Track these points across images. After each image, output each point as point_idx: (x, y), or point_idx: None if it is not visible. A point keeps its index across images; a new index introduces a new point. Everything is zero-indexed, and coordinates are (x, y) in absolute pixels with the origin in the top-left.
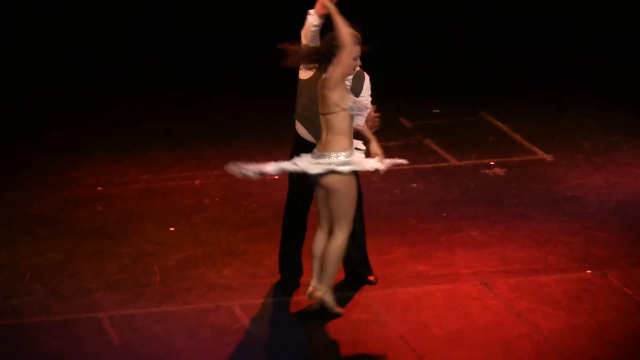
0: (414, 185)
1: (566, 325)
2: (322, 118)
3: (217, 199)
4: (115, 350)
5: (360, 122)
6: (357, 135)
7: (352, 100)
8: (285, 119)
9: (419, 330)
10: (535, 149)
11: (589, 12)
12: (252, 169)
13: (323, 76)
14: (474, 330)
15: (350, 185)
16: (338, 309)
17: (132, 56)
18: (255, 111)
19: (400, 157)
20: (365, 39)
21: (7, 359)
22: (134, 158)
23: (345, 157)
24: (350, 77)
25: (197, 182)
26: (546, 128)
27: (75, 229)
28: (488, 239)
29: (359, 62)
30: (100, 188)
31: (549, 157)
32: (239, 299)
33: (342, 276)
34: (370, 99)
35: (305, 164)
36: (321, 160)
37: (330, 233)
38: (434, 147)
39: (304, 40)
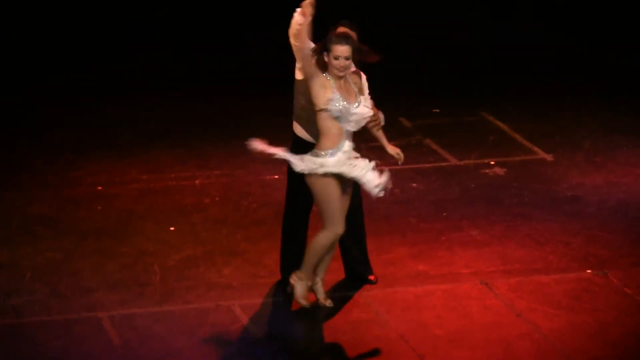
0: (414, 184)
1: (566, 324)
2: None
3: (217, 199)
4: (115, 349)
5: (349, 127)
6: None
7: (337, 104)
8: (285, 118)
9: (419, 330)
10: (536, 148)
11: (589, 12)
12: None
13: None
14: (474, 329)
15: (315, 185)
16: (303, 301)
17: (132, 56)
18: (255, 111)
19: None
20: (365, 39)
21: (7, 358)
22: (134, 158)
23: (311, 156)
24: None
25: (197, 181)
26: (546, 128)
27: (75, 228)
28: (488, 238)
29: (344, 62)
30: (100, 187)
31: (549, 157)
32: (239, 299)
33: (342, 276)
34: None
35: (296, 159)
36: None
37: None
38: (434, 146)
39: (292, 38)
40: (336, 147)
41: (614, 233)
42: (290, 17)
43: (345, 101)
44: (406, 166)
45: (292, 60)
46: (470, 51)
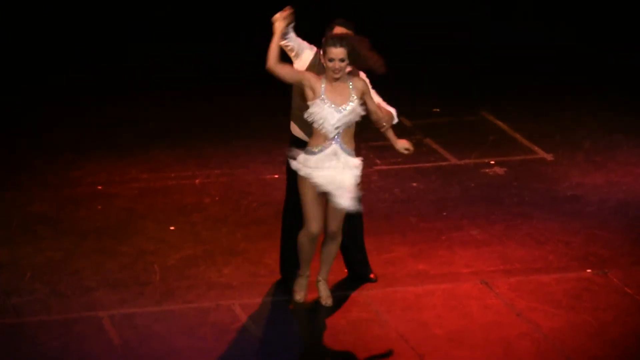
0: (414, 184)
1: (566, 324)
2: None
3: (217, 198)
4: (115, 349)
5: (331, 130)
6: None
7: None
8: (285, 118)
9: (419, 330)
10: (536, 148)
11: (589, 12)
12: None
13: None
14: (475, 329)
15: (297, 183)
16: (296, 295)
17: (132, 56)
18: (255, 111)
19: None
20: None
21: (7, 357)
22: (134, 157)
23: (303, 153)
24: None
25: (197, 181)
26: (546, 127)
27: (75, 228)
28: (488, 238)
29: (339, 64)
30: (100, 187)
31: (549, 156)
32: (239, 298)
33: (342, 276)
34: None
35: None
36: None
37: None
38: (434, 146)
39: (273, 68)
40: (322, 145)
41: (614, 232)
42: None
43: (331, 104)
44: (406, 165)
45: (292, 61)
46: (470, 51)
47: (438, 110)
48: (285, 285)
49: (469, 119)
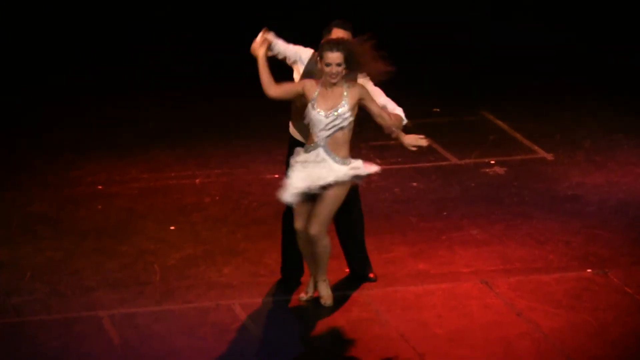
0: (415, 184)
1: (566, 324)
2: None
3: (217, 198)
4: (115, 349)
5: (318, 133)
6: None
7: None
8: (285, 118)
9: (419, 329)
10: (536, 147)
11: (589, 12)
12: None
13: None
14: (475, 329)
15: None
16: (300, 295)
17: (132, 56)
18: (255, 110)
19: (400, 156)
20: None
21: (7, 357)
22: (134, 157)
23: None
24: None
25: (197, 180)
26: (546, 127)
27: (75, 227)
28: (488, 237)
29: (335, 69)
30: (100, 187)
31: (549, 156)
32: (239, 298)
33: (342, 275)
34: (346, 111)
35: None
36: None
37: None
38: (435, 145)
39: (269, 92)
40: (311, 146)
41: (614, 232)
42: (291, 16)
43: (319, 109)
44: (406, 165)
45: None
46: (470, 51)
47: (438, 110)
48: (285, 285)
49: (469, 118)
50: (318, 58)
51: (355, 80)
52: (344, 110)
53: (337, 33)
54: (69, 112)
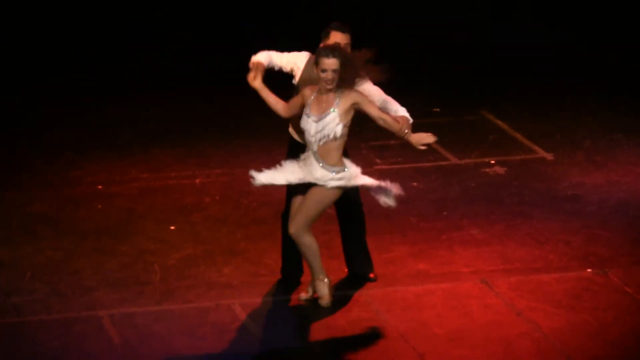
0: (415, 183)
1: (567, 323)
2: None
3: (217, 198)
4: (115, 348)
5: (308, 139)
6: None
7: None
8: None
9: (420, 329)
10: (536, 147)
11: (589, 12)
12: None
13: None
14: (475, 329)
15: None
16: (301, 294)
17: (132, 56)
18: (255, 111)
19: (400, 156)
20: (365, 39)
21: (7, 357)
22: (134, 157)
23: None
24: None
25: (197, 180)
26: (546, 127)
27: (75, 227)
28: (488, 237)
29: (331, 75)
30: (100, 187)
31: (549, 156)
32: (239, 298)
33: (342, 275)
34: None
35: None
36: None
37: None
38: (435, 145)
39: (282, 113)
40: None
41: (614, 232)
42: (291, 16)
43: (311, 115)
44: (406, 165)
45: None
46: (470, 51)
47: (438, 110)
48: (285, 285)
49: (469, 118)
50: (314, 64)
51: (351, 86)
52: (335, 116)
53: (335, 36)
54: (69, 112)
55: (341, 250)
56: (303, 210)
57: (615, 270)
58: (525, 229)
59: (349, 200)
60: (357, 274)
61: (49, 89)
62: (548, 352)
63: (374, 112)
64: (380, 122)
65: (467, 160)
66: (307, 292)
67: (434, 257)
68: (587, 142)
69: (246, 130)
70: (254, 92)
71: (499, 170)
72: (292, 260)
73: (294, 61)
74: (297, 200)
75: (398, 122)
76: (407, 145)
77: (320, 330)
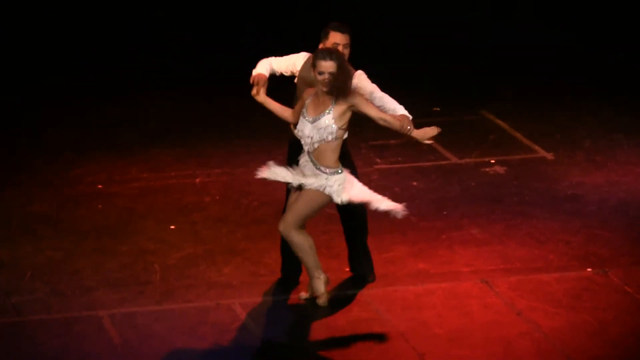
0: (415, 183)
1: (567, 323)
2: None
3: (217, 197)
4: (115, 348)
5: (302, 141)
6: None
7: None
8: None
9: (420, 329)
10: (536, 147)
11: (589, 12)
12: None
13: None
14: (475, 328)
15: None
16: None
17: (132, 56)
18: (255, 111)
19: (400, 155)
20: (365, 39)
21: (7, 357)
22: (134, 156)
23: None
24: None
25: (197, 180)
26: (546, 126)
27: (75, 227)
28: (489, 237)
29: (328, 77)
30: (100, 186)
31: (549, 156)
32: (240, 297)
33: (342, 275)
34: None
35: None
36: None
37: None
38: (435, 145)
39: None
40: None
41: (614, 232)
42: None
43: (307, 116)
44: (407, 164)
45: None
46: (470, 51)
47: (438, 109)
48: (285, 284)
49: (469, 118)
50: (311, 66)
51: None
52: (328, 118)
53: (335, 36)
54: (69, 112)
55: (341, 250)
56: (294, 208)
57: (615, 270)
58: (526, 229)
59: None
60: (358, 274)
61: (49, 89)
62: (548, 352)
63: (373, 112)
64: (381, 122)
65: (467, 160)
66: (307, 291)
67: (434, 256)
68: (587, 142)
69: (246, 130)
70: None
71: (499, 169)
72: (290, 260)
73: (293, 62)
74: (293, 198)
75: (399, 120)
76: (407, 145)
77: (320, 330)
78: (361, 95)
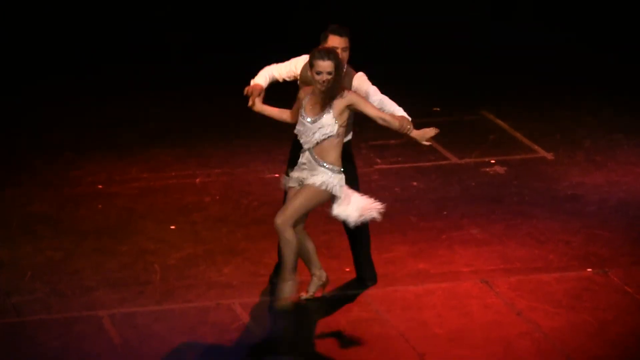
0: (415, 183)
1: (567, 323)
2: None
3: (217, 197)
4: (115, 348)
5: (302, 139)
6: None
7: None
8: None
9: (420, 329)
10: (536, 147)
11: (589, 12)
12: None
13: None
14: (475, 328)
15: None
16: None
17: (132, 56)
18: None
19: (400, 156)
20: (365, 39)
21: (7, 357)
22: (135, 156)
23: None
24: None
25: (197, 180)
26: (546, 126)
27: (75, 227)
28: (489, 237)
29: (326, 77)
30: (100, 186)
31: (549, 156)
32: (240, 297)
33: (342, 275)
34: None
35: None
36: None
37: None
38: (435, 145)
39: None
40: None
41: (614, 232)
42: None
43: (306, 116)
44: (407, 165)
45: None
46: (470, 51)
47: (438, 109)
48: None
49: (469, 118)
50: (309, 66)
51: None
52: (328, 118)
53: (333, 40)
54: (69, 112)
55: (341, 250)
56: (293, 204)
57: (615, 270)
58: (526, 229)
59: None
60: (359, 276)
61: (49, 89)
62: (548, 352)
63: (371, 111)
64: (380, 122)
65: (467, 160)
66: (307, 291)
67: (434, 256)
68: (587, 142)
69: (246, 130)
70: None
71: (499, 169)
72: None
73: (294, 66)
74: (292, 193)
75: (397, 119)
76: (407, 145)
77: (320, 330)
78: (358, 94)
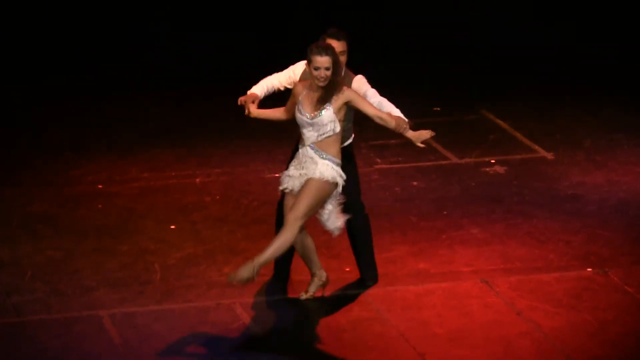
0: (415, 183)
1: (567, 323)
2: None
3: (217, 197)
4: (115, 348)
5: (305, 135)
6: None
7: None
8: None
9: (420, 329)
10: (536, 147)
11: (589, 11)
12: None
13: None
14: (475, 328)
15: None
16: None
17: (132, 56)
18: None
19: (400, 155)
20: (365, 40)
21: (7, 357)
22: (135, 156)
23: None
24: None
25: (197, 180)
26: (547, 126)
27: (75, 227)
28: (489, 236)
29: (324, 73)
30: (100, 186)
31: (549, 155)
32: (240, 297)
33: (342, 274)
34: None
35: None
36: None
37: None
38: (435, 145)
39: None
40: (302, 144)
41: (614, 232)
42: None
43: (304, 112)
44: (407, 164)
45: (293, 62)
46: (470, 51)
47: (438, 109)
48: (284, 284)
49: (469, 118)
50: (306, 62)
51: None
52: (329, 114)
53: (331, 44)
54: (69, 112)
55: (341, 250)
56: (300, 199)
57: (616, 270)
58: (526, 229)
59: (349, 203)
60: (361, 276)
61: (49, 89)
62: (548, 352)
63: (369, 110)
64: (377, 120)
65: (468, 160)
66: (306, 291)
67: (434, 256)
68: (587, 141)
69: (246, 130)
70: None
71: (499, 169)
72: (283, 257)
73: (292, 72)
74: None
75: (394, 119)
76: (407, 145)
77: (320, 330)
78: (357, 92)
